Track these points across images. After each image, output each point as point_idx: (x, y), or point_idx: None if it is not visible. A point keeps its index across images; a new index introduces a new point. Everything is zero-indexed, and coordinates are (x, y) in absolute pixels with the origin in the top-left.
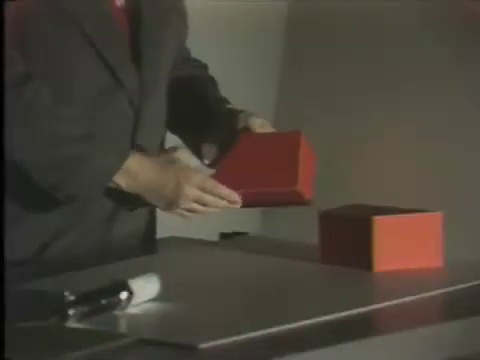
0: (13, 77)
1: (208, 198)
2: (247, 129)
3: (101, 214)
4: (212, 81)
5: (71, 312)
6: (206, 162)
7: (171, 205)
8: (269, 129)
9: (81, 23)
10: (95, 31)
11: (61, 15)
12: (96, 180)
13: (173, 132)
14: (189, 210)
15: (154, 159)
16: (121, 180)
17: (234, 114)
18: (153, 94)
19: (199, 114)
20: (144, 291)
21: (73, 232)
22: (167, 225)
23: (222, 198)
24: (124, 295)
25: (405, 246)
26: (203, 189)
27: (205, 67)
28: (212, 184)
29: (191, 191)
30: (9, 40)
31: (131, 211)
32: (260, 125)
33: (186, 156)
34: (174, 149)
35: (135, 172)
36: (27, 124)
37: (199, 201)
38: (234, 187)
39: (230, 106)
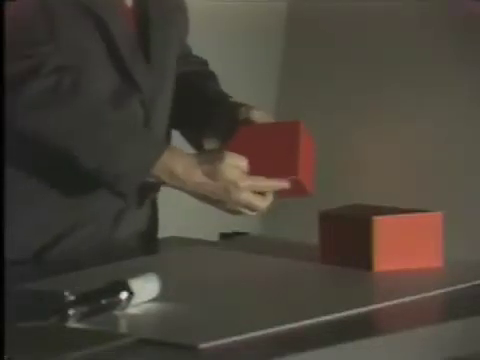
0: (51, 66)
1: (259, 204)
2: (248, 121)
3: (107, 215)
4: (213, 76)
5: (71, 312)
6: None
7: (220, 207)
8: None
9: (100, 23)
10: (112, 32)
11: (83, 16)
12: (140, 164)
13: (175, 127)
14: (238, 212)
15: (201, 163)
16: (168, 180)
17: (235, 107)
18: (161, 94)
19: (200, 109)
20: (144, 291)
21: (78, 232)
22: (167, 225)
23: (274, 190)
24: (124, 295)
25: (405, 246)
26: (255, 190)
27: (205, 63)
28: (263, 183)
29: (241, 197)
30: (41, 36)
31: (140, 208)
32: (261, 117)
33: (233, 159)
34: (221, 152)
35: (182, 177)
36: (69, 107)
37: (249, 206)
38: None
39: (231, 100)
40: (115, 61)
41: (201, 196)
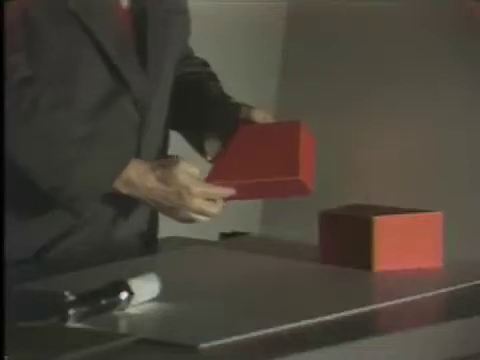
0: (15, 81)
1: (211, 210)
2: (249, 121)
3: (106, 215)
4: (214, 77)
5: (71, 312)
6: (209, 158)
7: (172, 214)
8: (270, 121)
9: (88, 25)
10: (102, 33)
11: (67, 17)
12: (96, 183)
13: (175, 128)
14: (190, 219)
15: (154, 168)
16: (122, 188)
17: (236, 108)
18: (158, 94)
19: (201, 110)
20: (144, 291)
21: (78, 233)
22: (167, 225)
23: (224, 197)
24: (124, 295)
25: (405, 246)
26: (207, 197)
27: (207, 64)
28: (215, 190)
29: (194, 203)
30: (13, 43)
31: (128, 214)
32: (262, 118)
33: (187, 166)
34: (175, 158)
35: (136, 183)
36: (28, 126)
37: (202, 213)
38: (234, 179)
39: (232, 100)
40: (104, 63)
41: (153, 202)
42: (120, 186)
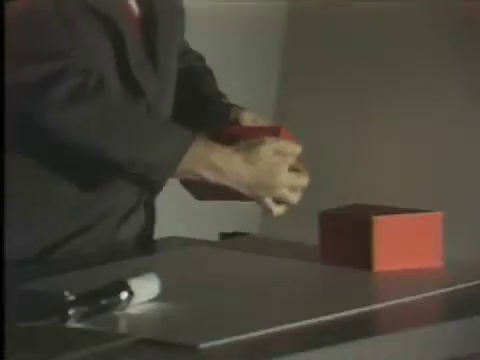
0: (80, 67)
1: (299, 181)
2: (237, 123)
3: (115, 216)
4: (209, 73)
5: (71, 312)
6: None
7: (262, 196)
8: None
9: (114, 30)
10: (125, 39)
11: (96, 22)
12: (171, 152)
13: None
14: (280, 198)
15: (239, 149)
16: (208, 175)
17: (227, 107)
18: (165, 97)
19: (195, 108)
20: (144, 291)
21: (85, 234)
22: (167, 225)
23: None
24: (124, 295)
25: (405, 246)
26: (297, 169)
27: (203, 59)
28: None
29: (284, 178)
30: (64, 39)
31: (132, 214)
32: (251, 120)
33: (273, 141)
34: (259, 138)
35: (222, 168)
36: (98, 102)
37: (292, 186)
38: None
39: (225, 100)
40: (123, 68)
41: (244, 187)
42: (206, 173)
